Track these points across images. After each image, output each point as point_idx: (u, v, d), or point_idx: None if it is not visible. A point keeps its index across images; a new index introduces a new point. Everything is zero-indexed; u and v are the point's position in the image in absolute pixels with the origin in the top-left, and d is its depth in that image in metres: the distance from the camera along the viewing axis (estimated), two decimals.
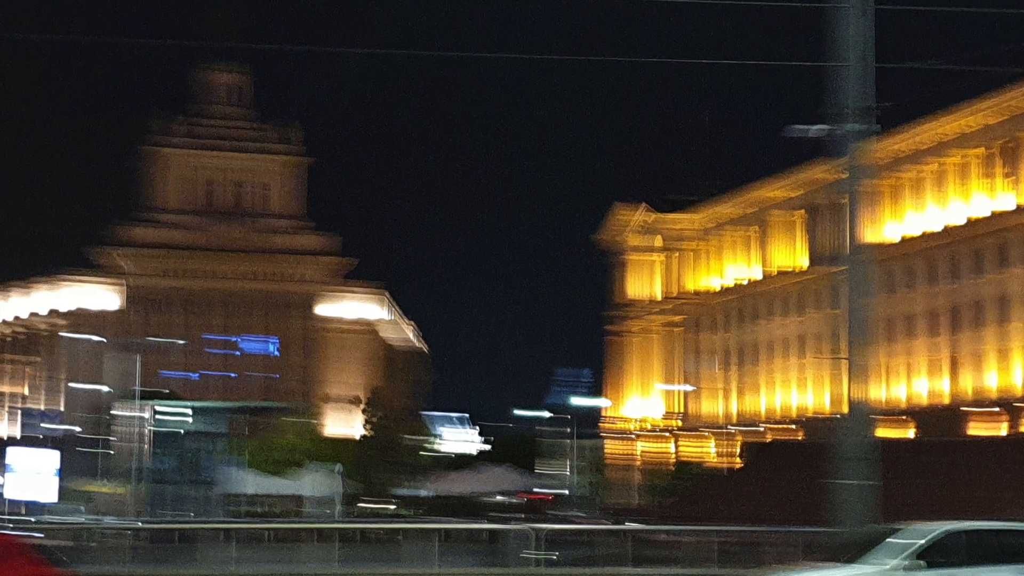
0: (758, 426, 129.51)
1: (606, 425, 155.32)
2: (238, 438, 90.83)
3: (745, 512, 56.35)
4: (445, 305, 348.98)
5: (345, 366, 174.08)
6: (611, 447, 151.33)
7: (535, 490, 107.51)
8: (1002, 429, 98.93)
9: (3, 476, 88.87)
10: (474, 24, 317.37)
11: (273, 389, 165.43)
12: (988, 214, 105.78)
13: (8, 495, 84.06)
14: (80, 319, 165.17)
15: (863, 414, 27.38)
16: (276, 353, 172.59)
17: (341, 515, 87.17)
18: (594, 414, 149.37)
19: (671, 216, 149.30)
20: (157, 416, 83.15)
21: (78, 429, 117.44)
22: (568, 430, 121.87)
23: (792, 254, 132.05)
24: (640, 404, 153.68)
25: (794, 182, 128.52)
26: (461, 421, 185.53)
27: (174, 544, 53.31)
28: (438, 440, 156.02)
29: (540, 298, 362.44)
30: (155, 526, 59.38)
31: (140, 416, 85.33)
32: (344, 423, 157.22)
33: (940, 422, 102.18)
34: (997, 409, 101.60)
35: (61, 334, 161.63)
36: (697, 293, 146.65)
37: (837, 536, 27.29)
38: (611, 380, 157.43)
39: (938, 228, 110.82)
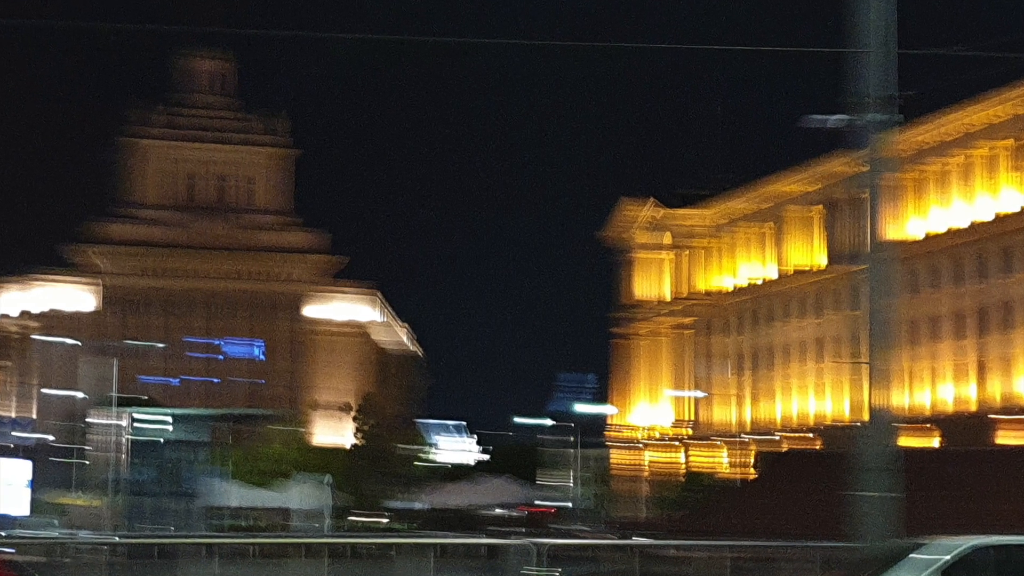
0: (773, 435, 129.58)
1: (612, 434, 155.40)
2: (221, 447, 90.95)
3: (759, 526, 56.40)
4: (441, 306, 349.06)
5: (335, 371, 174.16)
6: (617, 457, 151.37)
7: (536, 503, 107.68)
8: None
9: None
10: (472, 7, 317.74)
11: (258, 395, 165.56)
12: (1017, 209, 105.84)
13: None
14: (53, 321, 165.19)
15: (885, 422, 27.39)
16: (261, 357, 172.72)
17: (330, 529, 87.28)
18: (599, 422, 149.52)
19: (681, 212, 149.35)
20: (135, 424, 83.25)
21: (51, 438, 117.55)
22: (571, 439, 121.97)
23: (809, 252, 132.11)
24: (648, 411, 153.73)
25: (811, 176, 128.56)
26: (458, 429, 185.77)
27: (153, 560, 53.35)
28: (434, 449, 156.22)
29: (542, 299, 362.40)
30: (133, 541, 59.40)
31: (117, 424, 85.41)
32: (334, 431, 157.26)
33: (966, 430, 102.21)
34: None
35: (33, 337, 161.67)
36: (708, 293, 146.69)
37: (857, 552, 27.31)
38: (617, 386, 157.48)
39: (964, 224, 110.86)
